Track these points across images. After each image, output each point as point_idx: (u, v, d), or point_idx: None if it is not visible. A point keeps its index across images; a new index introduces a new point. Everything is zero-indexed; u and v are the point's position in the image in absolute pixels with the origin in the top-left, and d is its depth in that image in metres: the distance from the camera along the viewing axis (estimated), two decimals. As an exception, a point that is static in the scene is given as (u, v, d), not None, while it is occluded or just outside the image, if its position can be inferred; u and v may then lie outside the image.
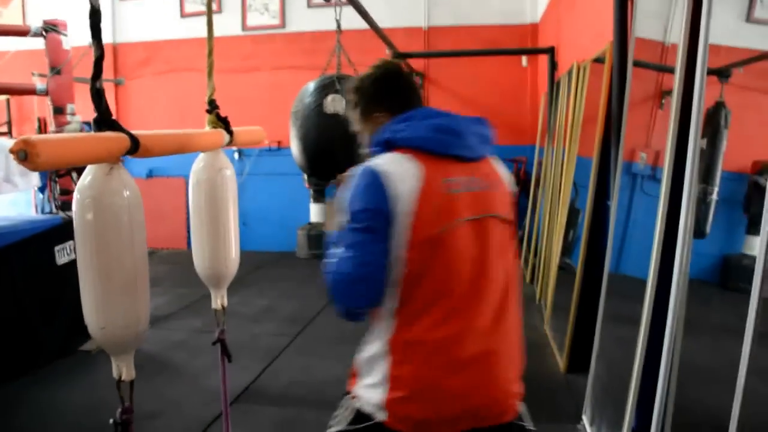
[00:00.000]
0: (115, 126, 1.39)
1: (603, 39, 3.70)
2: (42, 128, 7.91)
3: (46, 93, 4.58)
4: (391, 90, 1.64)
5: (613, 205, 3.03)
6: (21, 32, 4.59)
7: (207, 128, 1.95)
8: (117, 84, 8.68)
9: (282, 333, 4.86)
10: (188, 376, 4.04)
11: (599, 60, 3.91)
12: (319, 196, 8.03)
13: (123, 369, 1.44)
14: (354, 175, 1.50)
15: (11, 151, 1.10)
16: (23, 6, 8.92)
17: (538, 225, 6.27)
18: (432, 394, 1.45)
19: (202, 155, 1.95)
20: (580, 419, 3.27)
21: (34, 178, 4.54)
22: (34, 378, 3.94)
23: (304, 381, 3.95)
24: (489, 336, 1.49)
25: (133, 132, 1.43)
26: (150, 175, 8.58)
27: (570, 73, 4.94)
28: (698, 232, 2.41)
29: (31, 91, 4.69)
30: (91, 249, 1.35)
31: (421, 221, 1.43)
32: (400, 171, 1.45)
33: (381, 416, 1.46)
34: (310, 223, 8.05)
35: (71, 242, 4.55)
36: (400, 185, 1.43)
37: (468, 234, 1.48)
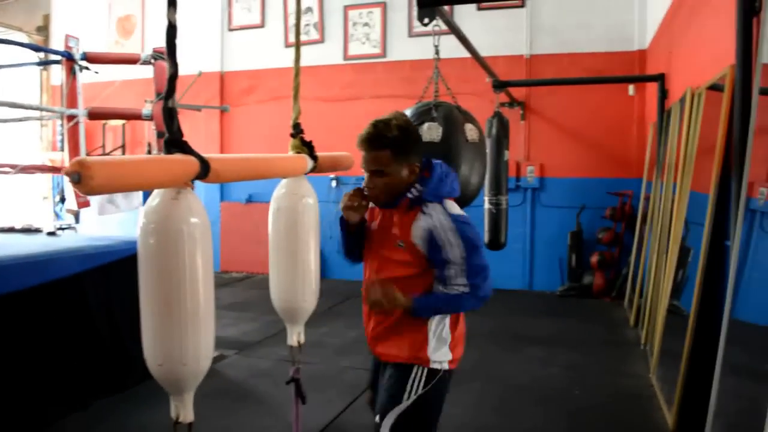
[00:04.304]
0: (185, 148, 1.30)
1: (719, 63, 3.38)
2: (150, 152, 8.29)
3: (151, 118, 4.71)
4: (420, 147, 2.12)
5: (735, 245, 2.70)
6: (132, 60, 4.77)
7: (290, 153, 1.85)
8: (222, 111, 8.96)
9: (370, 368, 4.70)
10: (271, 406, 3.95)
11: (715, 87, 3.59)
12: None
13: (181, 410, 1.33)
14: (462, 221, 2.05)
15: (65, 173, 1.02)
16: (143, 38, 9.44)
17: (644, 264, 5.85)
18: (463, 340, 2.24)
19: (284, 181, 1.84)
20: (693, 487, 2.91)
21: (136, 200, 4.66)
22: (122, 397, 3.98)
23: (388, 420, 3.77)
24: None
25: (206, 156, 1.34)
26: (249, 200, 8.76)
27: (682, 100, 4.59)
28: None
29: (138, 116, 4.85)
30: (153, 278, 1.26)
31: None
32: None
33: (446, 366, 2.15)
34: (403, 253, 7.92)
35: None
36: None
37: None
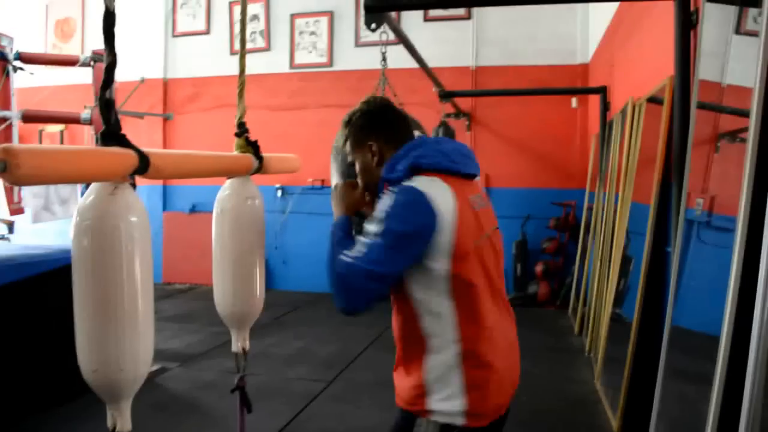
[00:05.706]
0: (123, 141, 1.23)
1: (659, 76, 3.49)
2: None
3: (90, 122, 4.55)
4: (384, 122, 1.77)
5: (676, 253, 2.76)
6: (70, 62, 4.62)
7: (235, 152, 1.79)
8: (166, 119, 8.77)
9: (317, 378, 4.63)
10: (215, 418, 3.83)
11: (653, 99, 3.71)
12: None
13: (118, 419, 1.25)
14: (393, 193, 1.56)
15: (-11, 160, 0.94)
16: (82, 42, 9.15)
17: (588, 273, 5.95)
18: (498, 384, 1.61)
19: (228, 182, 1.78)
20: (638, 490, 2.95)
21: (74, 207, 4.48)
22: (60, 411, 3.80)
23: (336, 430, 3.71)
24: (509, 327, 1.73)
25: (146, 150, 1.28)
26: (193, 210, 8.57)
27: (623, 112, 4.72)
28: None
29: (76, 120, 4.68)
30: (87, 278, 1.18)
31: (462, 236, 1.54)
32: (438, 192, 1.56)
33: (461, 421, 1.55)
34: (351, 264, 7.87)
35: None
36: (441, 205, 1.53)
37: (489, 245, 1.66)
